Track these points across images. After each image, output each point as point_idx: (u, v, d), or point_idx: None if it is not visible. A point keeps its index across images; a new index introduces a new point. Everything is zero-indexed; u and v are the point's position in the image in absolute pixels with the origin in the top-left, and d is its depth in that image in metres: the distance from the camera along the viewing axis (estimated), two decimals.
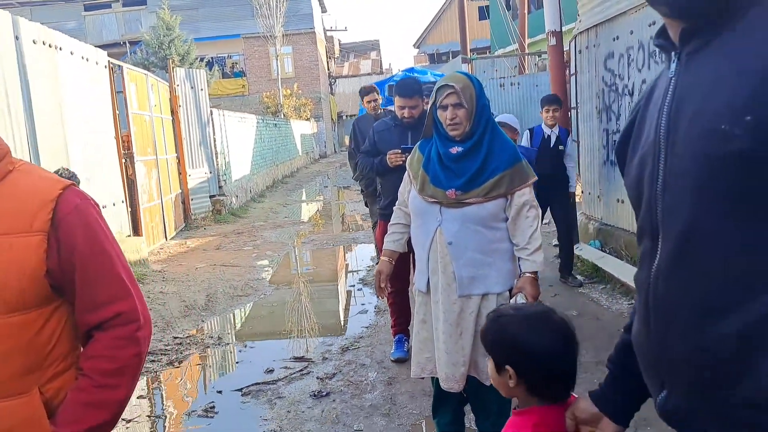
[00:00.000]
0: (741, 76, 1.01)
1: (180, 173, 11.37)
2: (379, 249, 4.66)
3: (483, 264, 2.74)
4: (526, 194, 2.76)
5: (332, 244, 9.63)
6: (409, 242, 3.09)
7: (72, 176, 4.14)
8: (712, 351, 1.03)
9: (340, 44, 50.93)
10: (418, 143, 2.97)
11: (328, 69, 40.12)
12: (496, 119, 4.01)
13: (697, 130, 1.05)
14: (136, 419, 3.97)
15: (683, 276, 1.07)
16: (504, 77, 14.83)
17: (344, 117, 42.41)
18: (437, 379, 2.92)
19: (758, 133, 0.96)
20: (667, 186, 1.10)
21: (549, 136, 6.00)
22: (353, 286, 7.11)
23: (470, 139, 2.75)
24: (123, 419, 3.96)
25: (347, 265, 8.63)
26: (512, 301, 2.80)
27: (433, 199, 2.76)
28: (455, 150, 2.75)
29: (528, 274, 2.76)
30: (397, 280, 4.43)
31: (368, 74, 44.37)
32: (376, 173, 4.61)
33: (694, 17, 1.10)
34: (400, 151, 4.31)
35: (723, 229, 1.02)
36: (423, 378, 3.05)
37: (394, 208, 3.10)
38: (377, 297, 3.10)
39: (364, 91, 5.93)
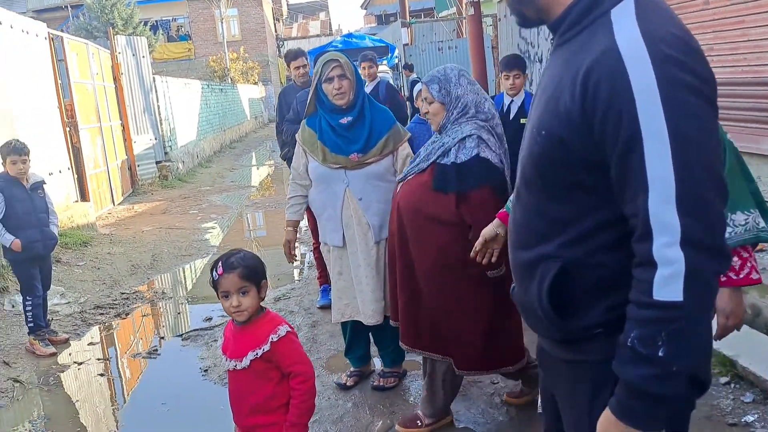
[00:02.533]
0: (548, 89, 1.37)
1: (125, 140, 11.60)
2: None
3: (386, 212, 3.29)
4: (407, 148, 3.39)
5: (276, 207, 10.09)
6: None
7: (22, 147, 4.52)
8: (518, 268, 1.57)
9: (288, 5, 50.28)
10: (304, 120, 3.47)
11: (276, 31, 39.76)
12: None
13: (530, 124, 1.52)
14: (86, 362, 4.49)
15: (513, 218, 1.61)
16: (442, 41, 15.33)
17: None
18: (350, 323, 3.53)
19: (548, 143, 1.39)
20: (521, 156, 1.56)
21: (509, 107, 4.94)
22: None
23: (354, 109, 3.29)
24: (75, 362, 4.48)
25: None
26: None
27: (337, 165, 3.29)
28: (345, 120, 3.29)
29: None
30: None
31: (317, 35, 44.07)
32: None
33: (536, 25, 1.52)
34: None
35: (528, 196, 1.52)
36: (342, 322, 3.63)
37: (291, 182, 3.54)
38: (288, 262, 3.59)
39: (291, 56, 5.25)
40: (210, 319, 5.11)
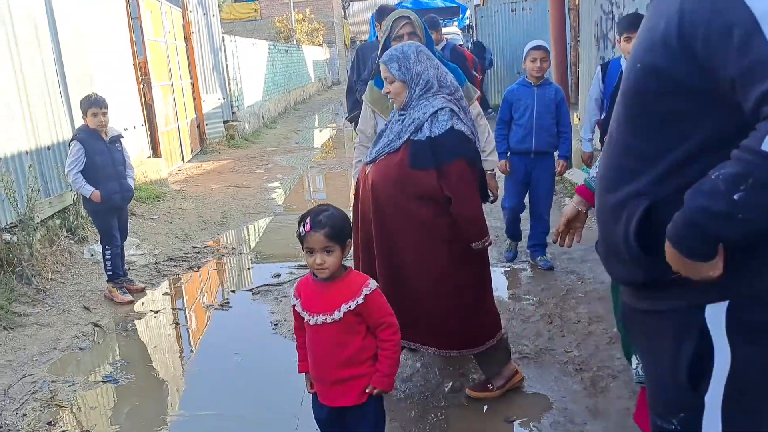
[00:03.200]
0: (645, 26, 1.47)
1: (195, 99, 11.81)
2: None
3: None
4: (476, 107, 3.35)
5: (340, 169, 10.13)
6: None
7: (102, 100, 4.63)
8: (605, 213, 1.57)
9: None
10: (371, 81, 3.40)
11: None
12: (529, 46, 4.50)
13: (627, 65, 1.54)
14: (162, 311, 4.64)
15: (603, 164, 1.63)
16: (516, 2, 14.75)
17: (357, 42, 41.96)
18: None
19: (642, 75, 1.43)
20: (617, 99, 1.58)
21: None
22: None
23: None
24: (152, 311, 4.64)
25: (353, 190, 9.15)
26: None
27: None
28: None
29: (488, 172, 3.35)
30: None
31: None
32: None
33: None
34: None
35: (619, 136, 1.54)
36: None
37: (357, 146, 3.49)
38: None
39: (382, 13, 4.87)
40: (278, 275, 5.18)
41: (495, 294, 4.05)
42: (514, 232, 5.02)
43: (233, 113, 13.54)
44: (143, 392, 3.54)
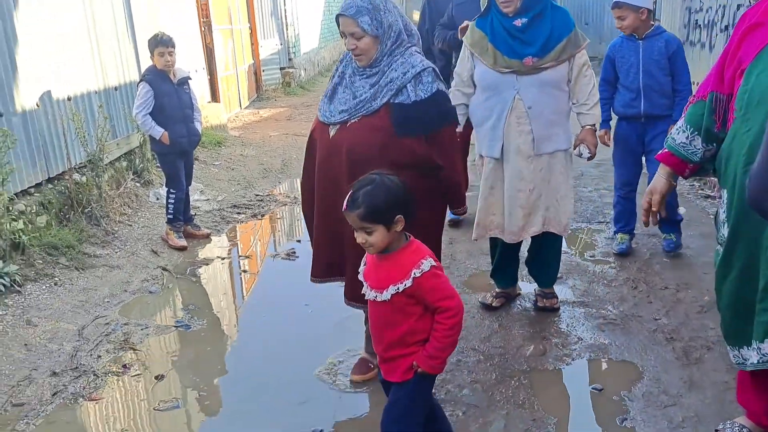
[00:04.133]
0: None
1: (252, 44, 11.64)
2: None
3: (555, 124, 3.10)
4: (584, 55, 3.08)
5: None
6: None
7: (169, 39, 4.52)
8: None
9: None
10: (473, 22, 3.18)
11: None
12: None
13: None
14: (228, 258, 4.61)
15: None
16: None
17: None
18: (501, 242, 3.35)
19: None
20: None
21: None
22: None
23: (528, 11, 2.98)
24: (218, 257, 4.61)
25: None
26: (576, 152, 3.31)
27: (509, 69, 3.03)
28: (519, 22, 2.99)
29: (588, 127, 3.17)
30: None
31: None
32: (450, 48, 4.66)
33: None
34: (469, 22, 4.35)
35: None
36: (492, 241, 3.46)
37: (452, 90, 3.26)
38: None
39: None
40: None
41: (569, 254, 3.87)
42: (628, 220, 4.17)
43: (290, 60, 13.35)
44: (214, 339, 3.51)
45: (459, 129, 3.27)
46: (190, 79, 4.84)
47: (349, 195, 1.95)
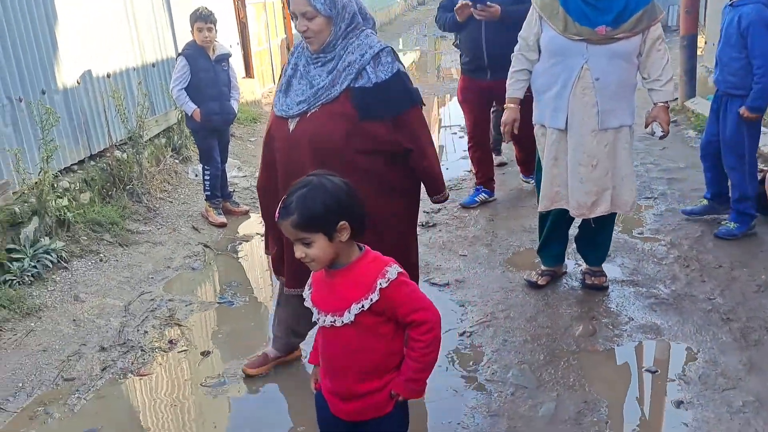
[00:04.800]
0: None
1: (285, 18, 11.54)
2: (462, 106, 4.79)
3: (621, 98, 2.98)
4: (659, 29, 2.94)
5: (428, 94, 9.75)
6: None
7: (209, 14, 4.47)
8: None
9: None
10: None
11: None
12: None
13: None
14: None
15: None
16: None
17: None
18: (551, 218, 3.27)
19: None
20: None
21: None
22: (455, 134, 7.36)
23: None
24: (258, 234, 4.60)
25: (441, 117, 8.83)
26: (648, 130, 3.23)
27: (579, 37, 2.91)
28: None
29: (661, 104, 3.04)
30: (476, 131, 4.67)
31: None
32: (450, 29, 4.55)
33: None
34: (469, 1, 4.16)
35: None
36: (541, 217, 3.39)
37: (516, 54, 3.17)
38: (504, 142, 3.41)
39: None
40: None
41: (616, 231, 3.75)
42: (713, 176, 3.99)
43: None
44: (257, 316, 3.51)
45: (511, 98, 3.17)
46: (230, 56, 4.80)
47: (282, 201, 1.65)
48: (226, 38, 7.83)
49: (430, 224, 4.49)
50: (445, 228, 4.44)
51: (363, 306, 1.64)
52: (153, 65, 5.63)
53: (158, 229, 4.56)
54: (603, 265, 3.44)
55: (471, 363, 2.90)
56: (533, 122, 3.22)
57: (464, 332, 3.14)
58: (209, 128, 4.63)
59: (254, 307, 3.60)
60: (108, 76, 4.87)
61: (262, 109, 8.27)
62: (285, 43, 11.60)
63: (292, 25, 11.63)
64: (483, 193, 4.78)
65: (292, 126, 2.35)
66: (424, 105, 2.50)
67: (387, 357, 1.73)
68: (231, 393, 2.81)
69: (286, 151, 2.39)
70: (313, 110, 2.32)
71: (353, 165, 2.29)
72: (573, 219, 3.30)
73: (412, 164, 2.43)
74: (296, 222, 1.60)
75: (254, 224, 4.79)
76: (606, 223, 3.23)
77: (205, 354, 3.11)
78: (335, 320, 1.68)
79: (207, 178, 4.72)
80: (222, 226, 4.71)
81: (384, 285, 1.63)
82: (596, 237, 3.30)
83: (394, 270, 1.66)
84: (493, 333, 3.10)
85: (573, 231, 3.47)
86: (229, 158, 5.11)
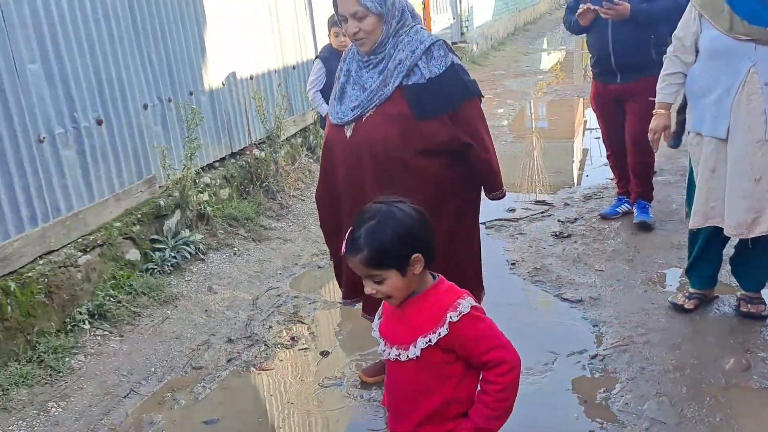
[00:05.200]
0: None
1: (425, 19, 11.55)
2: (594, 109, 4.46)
3: None
4: None
5: (573, 96, 9.32)
6: None
7: None
8: None
9: None
10: None
11: None
12: None
13: None
14: None
15: None
16: None
17: None
18: (704, 236, 2.95)
19: None
20: None
21: None
22: (598, 138, 6.94)
23: None
24: None
25: (586, 119, 8.37)
26: None
27: (747, 37, 2.60)
28: None
29: None
30: (611, 139, 4.30)
31: None
32: (576, 32, 4.27)
33: None
34: (590, 5, 3.86)
35: None
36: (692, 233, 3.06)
37: (670, 56, 2.91)
38: (654, 150, 3.12)
39: None
40: (513, 210, 4.83)
41: None
42: None
43: (462, 34, 13.10)
44: None
45: (662, 104, 2.91)
46: None
47: (348, 233, 1.51)
48: None
49: (565, 234, 4.23)
50: (581, 239, 4.16)
51: (430, 340, 1.49)
52: (293, 67, 5.82)
53: (289, 226, 4.68)
54: (762, 291, 3.04)
55: (602, 390, 2.66)
56: (687, 130, 2.91)
57: (596, 355, 2.90)
58: None
59: None
60: (251, 78, 5.08)
61: None
62: None
63: (431, 25, 11.58)
64: (625, 204, 4.43)
65: (348, 133, 2.31)
66: (483, 97, 2.39)
67: (450, 404, 1.55)
68: (347, 395, 2.78)
69: (345, 159, 2.34)
70: (367, 114, 2.26)
71: (414, 168, 2.25)
72: (728, 238, 2.94)
73: (473, 159, 2.32)
74: (366, 259, 1.47)
75: None
76: (767, 244, 2.84)
77: (324, 354, 3.11)
78: (400, 354, 1.55)
79: None
80: None
81: (455, 319, 1.48)
82: (755, 259, 2.92)
83: (467, 303, 1.50)
84: (630, 359, 2.83)
85: (728, 251, 3.10)
86: None
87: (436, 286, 1.56)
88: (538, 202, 4.96)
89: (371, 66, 2.28)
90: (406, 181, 2.23)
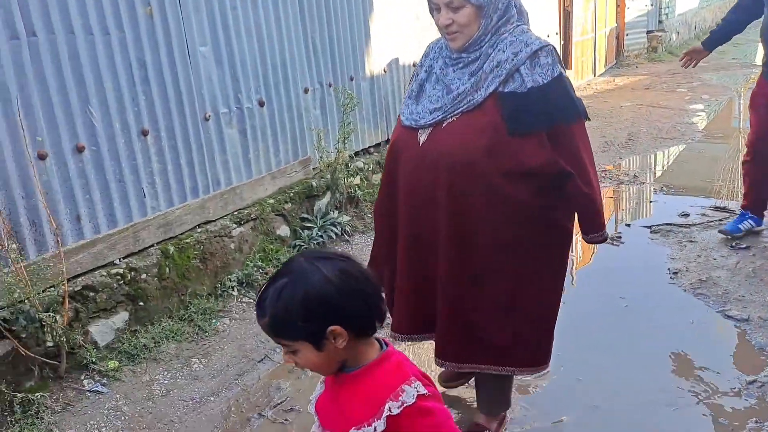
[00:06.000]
0: None
1: (617, 6, 10.82)
2: None
3: None
4: None
5: None
6: None
7: None
8: None
9: None
10: None
11: None
12: None
13: None
14: None
15: None
16: None
17: None
18: None
19: None
20: None
21: None
22: None
23: None
24: None
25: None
26: None
27: None
28: None
29: None
30: (759, 144, 3.64)
31: None
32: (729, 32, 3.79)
33: None
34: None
35: None
36: None
37: None
38: None
39: None
40: (687, 215, 4.35)
41: None
42: None
43: (660, 22, 12.09)
44: None
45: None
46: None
47: (259, 292, 1.27)
48: (545, 27, 7.65)
49: (743, 246, 3.73)
50: (760, 253, 3.63)
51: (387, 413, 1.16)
52: None
53: None
54: None
55: (754, 419, 2.32)
56: None
57: (754, 381, 2.53)
58: None
59: None
60: (413, 65, 5.11)
61: None
62: (615, 32, 10.92)
63: (625, 12, 10.86)
64: (749, 220, 3.80)
65: (422, 138, 1.96)
66: (589, 120, 2.01)
67: None
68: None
69: (412, 170, 2.00)
70: (450, 119, 1.93)
71: (498, 191, 1.90)
72: None
73: (571, 191, 1.95)
74: (269, 326, 1.21)
75: None
76: None
77: None
78: None
79: None
80: None
81: (394, 411, 1.15)
82: None
83: (412, 391, 1.17)
84: None
85: None
86: None
87: (378, 363, 1.21)
88: (717, 209, 4.42)
89: (461, 65, 1.95)
90: (485, 205, 1.93)
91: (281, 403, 2.67)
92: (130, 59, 2.98)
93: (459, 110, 1.91)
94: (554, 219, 1.98)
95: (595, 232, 2.06)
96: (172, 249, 3.19)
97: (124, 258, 3.00)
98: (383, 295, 1.21)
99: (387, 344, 1.27)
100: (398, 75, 4.98)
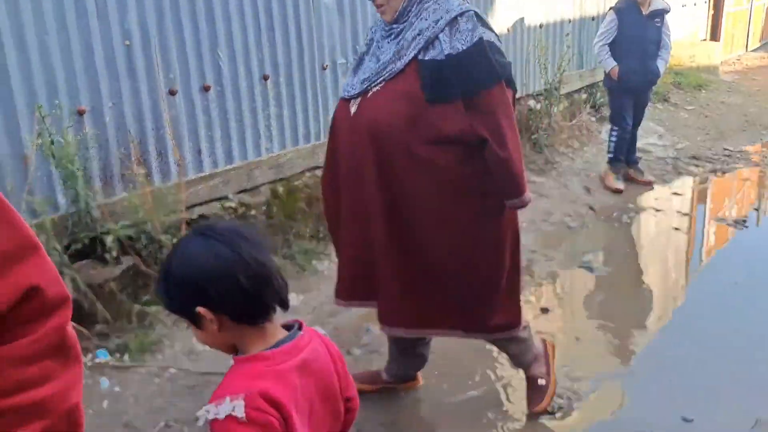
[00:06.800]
0: None
1: None
2: None
3: None
4: None
5: None
6: None
7: None
8: None
9: None
10: None
11: None
12: None
13: None
14: (664, 211, 4.13)
15: None
16: None
17: None
18: None
19: None
20: None
21: None
22: None
23: None
24: (653, 208, 4.17)
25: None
26: None
27: None
28: None
29: None
30: None
31: None
32: None
33: None
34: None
35: None
36: None
37: None
38: None
39: None
40: None
41: None
42: None
43: None
44: (614, 288, 3.23)
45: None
46: (667, 11, 4.35)
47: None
48: None
49: None
50: None
51: (206, 418, 1.06)
52: (592, 18, 5.49)
53: (550, 182, 4.53)
54: None
55: None
56: None
57: None
58: (625, 87, 4.35)
59: (614, 279, 3.33)
60: (540, 26, 4.95)
61: (717, 76, 7.30)
62: None
63: None
64: None
65: (353, 108, 1.96)
66: (513, 85, 1.89)
67: None
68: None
69: (345, 139, 2.01)
70: (375, 88, 1.92)
71: (421, 159, 1.88)
72: None
73: (487, 155, 1.88)
74: (161, 297, 1.15)
75: (653, 197, 4.36)
76: None
77: (544, 311, 3.02)
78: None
79: (613, 139, 4.49)
80: (617, 192, 4.42)
81: (209, 417, 1.05)
82: None
83: (227, 407, 1.04)
84: None
85: None
86: (650, 123, 4.72)
87: (247, 361, 1.11)
88: None
89: (393, 36, 1.95)
90: (410, 174, 1.92)
91: (368, 344, 2.78)
92: (258, 6, 3.14)
93: (381, 79, 1.92)
94: (485, 187, 1.93)
95: (514, 197, 1.94)
96: (281, 189, 3.36)
97: (236, 193, 3.21)
98: (282, 282, 1.10)
99: (293, 340, 1.13)
100: (523, 35, 4.84)
